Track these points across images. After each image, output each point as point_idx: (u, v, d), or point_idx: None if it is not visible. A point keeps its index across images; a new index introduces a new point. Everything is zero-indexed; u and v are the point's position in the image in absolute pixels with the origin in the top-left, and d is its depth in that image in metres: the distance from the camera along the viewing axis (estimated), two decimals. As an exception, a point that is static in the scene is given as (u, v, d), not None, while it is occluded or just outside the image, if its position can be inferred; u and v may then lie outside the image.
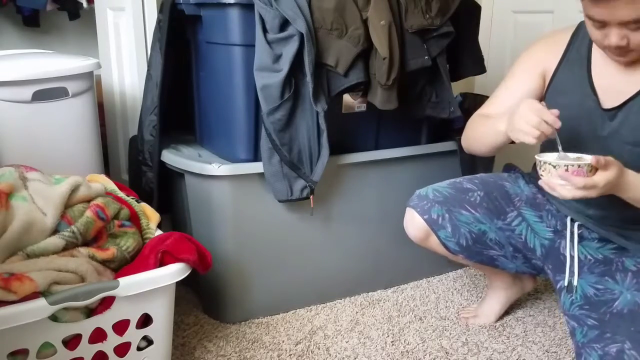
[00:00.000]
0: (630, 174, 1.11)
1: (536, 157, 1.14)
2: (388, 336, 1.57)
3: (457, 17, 1.61)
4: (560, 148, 1.15)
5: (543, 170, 1.12)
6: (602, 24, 1.11)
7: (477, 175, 1.48)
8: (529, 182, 1.44)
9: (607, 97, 1.23)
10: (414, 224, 1.42)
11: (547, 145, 1.27)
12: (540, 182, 1.13)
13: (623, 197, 1.13)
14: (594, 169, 1.07)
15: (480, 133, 1.36)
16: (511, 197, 1.41)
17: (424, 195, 1.42)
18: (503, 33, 2.53)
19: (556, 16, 2.21)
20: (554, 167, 1.09)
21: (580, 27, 1.30)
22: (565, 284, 1.30)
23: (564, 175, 1.07)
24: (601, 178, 1.06)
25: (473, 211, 1.38)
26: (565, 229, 1.34)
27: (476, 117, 1.41)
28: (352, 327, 1.61)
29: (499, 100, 1.38)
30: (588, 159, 1.07)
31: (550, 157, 1.15)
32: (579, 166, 1.06)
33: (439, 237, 1.40)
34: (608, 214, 1.28)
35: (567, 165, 1.07)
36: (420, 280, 1.89)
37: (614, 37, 1.10)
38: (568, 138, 1.30)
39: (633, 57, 1.16)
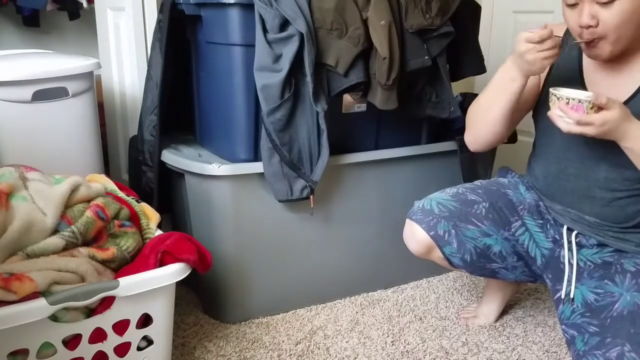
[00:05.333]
0: (636, 123, 1.10)
1: (550, 89, 1.15)
2: (388, 336, 1.57)
3: (457, 17, 1.61)
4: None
5: (550, 102, 1.14)
6: (574, 1, 1.12)
7: (479, 183, 1.46)
8: (529, 188, 1.43)
9: None
10: (416, 238, 1.39)
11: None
12: (547, 114, 1.15)
13: (622, 145, 1.13)
14: (596, 108, 1.08)
15: (487, 104, 1.31)
16: (515, 206, 1.40)
17: (429, 209, 1.38)
18: (503, 33, 2.53)
19: (556, 16, 2.21)
20: (558, 98, 1.12)
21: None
22: (564, 295, 1.29)
23: (563, 108, 1.10)
24: (599, 117, 1.07)
25: (479, 224, 1.37)
26: (563, 239, 1.34)
27: (473, 103, 1.40)
28: (352, 327, 1.61)
29: None
30: (594, 93, 1.09)
31: (562, 90, 1.16)
32: (579, 101, 1.08)
33: (444, 253, 1.38)
34: (605, 220, 1.27)
35: (569, 99, 1.09)
36: (420, 280, 1.89)
37: (585, 14, 1.10)
38: (562, 143, 1.30)
39: (606, 52, 1.15)
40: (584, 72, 1.26)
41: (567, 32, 1.30)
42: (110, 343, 1.18)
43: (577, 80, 1.26)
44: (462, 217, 1.37)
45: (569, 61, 1.28)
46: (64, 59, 1.69)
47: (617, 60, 1.20)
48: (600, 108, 1.08)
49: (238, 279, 1.59)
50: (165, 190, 1.74)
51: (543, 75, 1.32)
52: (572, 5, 1.14)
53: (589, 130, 1.09)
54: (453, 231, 1.36)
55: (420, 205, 1.41)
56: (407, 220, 1.42)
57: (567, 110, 1.09)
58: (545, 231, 1.38)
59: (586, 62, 1.26)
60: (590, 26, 1.11)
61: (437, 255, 1.40)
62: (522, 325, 1.63)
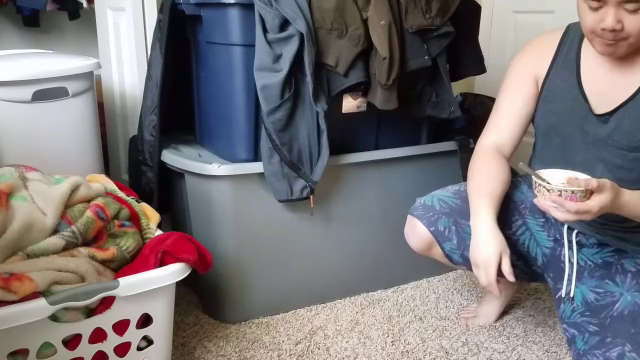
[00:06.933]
0: (626, 194, 1.11)
1: (532, 176, 1.13)
2: (388, 336, 1.57)
3: (457, 17, 1.61)
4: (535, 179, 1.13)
5: (537, 191, 1.12)
6: (599, 5, 1.10)
7: None
8: (531, 186, 1.43)
9: (599, 103, 1.22)
10: (417, 234, 1.39)
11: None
12: (534, 201, 1.14)
13: (618, 213, 1.14)
14: (588, 193, 1.06)
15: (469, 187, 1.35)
16: (516, 205, 1.40)
17: (430, 205, 1.39)
18: (503, 33, 2.53)
19: (556, 16, 2.21)
20: (548, 190, 1.09)
21: (569, 30, 1.30)
22: (564, 293, 1.29)
23: (558, 200, 1.08)
24: (595, 203, 1.06)
25: None
26: (564, 238, 1.34)
27: (477, 156, 1.37)
28: (352, 327, 1.61)
29: (501, 118, 1.37)
30: (582, 179, 1.07)
31: (547, 174, 1.14)
32: (573, 192, 1.06)
33: (443, 250, 1.38)
34: (606, 221, 1.27)
35: (561, 191, 1.07)
36: (420, 280, 1.89)
37: (610, 18, 1.09)
38: (561, 145, 1.30)
39: (622, 50, 1.14)
40: (582, 75, 1.26)
41: (563, 38, 1.30)
42: (110, 343, 1.18)
43: (575, 84, 1.25)
44: (463, 213, 1.37)
45: (567, 66, 1.28)
46: (64, 59, 1.69)
47: (618, 59, 1.20)
48: (591, 192, 1.07)
49: (238, 279, 1.59)
50: (165, 190, 1.74)
51: (539, 80, 1.32)
52: (596, 9, 1.12)
53: (586, 217, 1.08)
54: (453, 227, 1.36)
55: (422, 202, 1.41)
56: (408, 216, 1.43)
57: (563, 202, 1.07)
58: (547, 230, 1.38)
59: (584, 64, 1.26)
60: (614, 30, 1.11)
61: (437, 251, 1.40)
62: (522, 325, 1.63)
